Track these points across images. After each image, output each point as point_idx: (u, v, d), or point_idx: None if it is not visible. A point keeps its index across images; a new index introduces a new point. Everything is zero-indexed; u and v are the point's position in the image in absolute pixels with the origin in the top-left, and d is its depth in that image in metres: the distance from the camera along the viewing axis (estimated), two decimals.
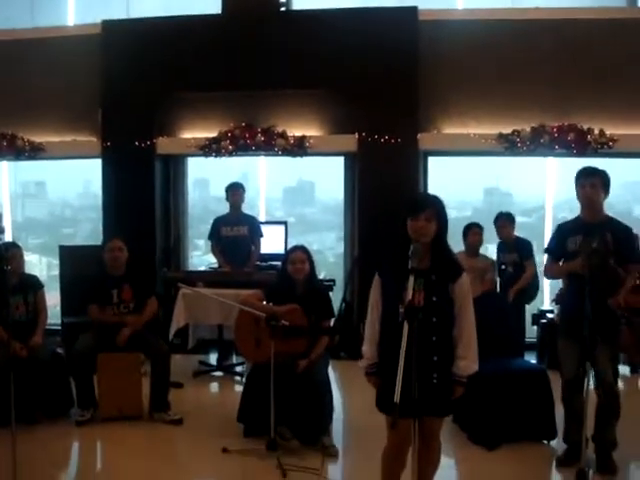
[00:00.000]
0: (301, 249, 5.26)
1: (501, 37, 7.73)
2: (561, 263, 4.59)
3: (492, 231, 7.17)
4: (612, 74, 7.49)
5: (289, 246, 6.36)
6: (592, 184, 4.38)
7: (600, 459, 4.46)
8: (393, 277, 3.34)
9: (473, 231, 6.86)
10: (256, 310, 4.99)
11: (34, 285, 5.83)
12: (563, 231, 4.62)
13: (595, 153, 7.42)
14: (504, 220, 7.12)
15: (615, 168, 5.04)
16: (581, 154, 7.44)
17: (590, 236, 4.21)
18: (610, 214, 4.53)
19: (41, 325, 5.73)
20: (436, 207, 3.35)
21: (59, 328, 7.67)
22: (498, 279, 7.24)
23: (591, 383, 4.06)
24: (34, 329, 5.64)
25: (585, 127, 7.47)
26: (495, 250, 7.47)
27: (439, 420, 3.52)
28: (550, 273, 4.83)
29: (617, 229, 4.39)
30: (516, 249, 7.13)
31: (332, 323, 5.41)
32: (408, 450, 3.37)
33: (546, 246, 4.80)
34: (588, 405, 4.08)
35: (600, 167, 4.48)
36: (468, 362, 3.37)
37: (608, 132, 7.45)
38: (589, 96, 7.54)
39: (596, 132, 7.45)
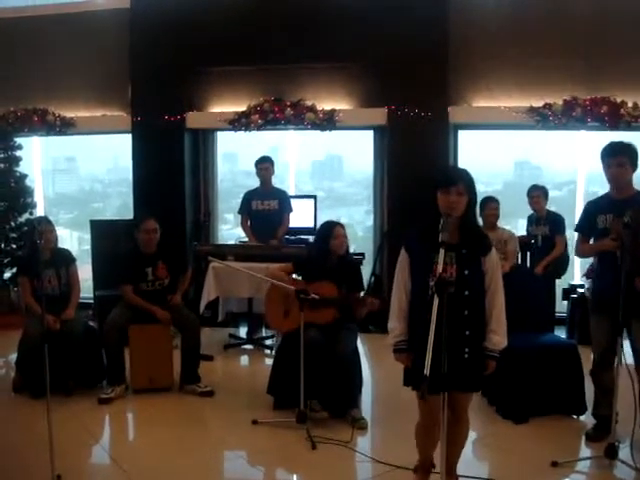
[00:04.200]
0: (340, 224, 5.28)
1: (533, 8, 7.60)
2: (592, 241, 4.51)
3: (521, 205, 7.09)
4: None
5: (318, 220, 6.35)
6: (619, 163, 4.24)
7: None
8: (423, 251, 3.34)
9: (490, 206, 6.68)
10: (283, 283, 5.01)
11: (66, 259, 5.89)
12: (592, 209, 4.51)
13: (628, 126, 7.28)
14: (538, 192, 7.05)
15: None
16: (614, 127, 7.29)
17: (621, 213, 4.13)
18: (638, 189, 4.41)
19: (74, 299, 5.80)
20: (467, 181, 3.34)
21: (91, 301, 7.78)
22: (527, 253, 7.16)
23: (622, 359, 4.02)
24: (67, 302, 5.71)
25: (618, 100, 7.32)
26: (525, 224, 7.41)
27: (469, 395, 3.53)
28: (581, 252, 4.75)
29: None
30: (547, 223, 7.06)
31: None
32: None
33: (576, 225, 4.73)
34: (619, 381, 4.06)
35: (633, 141, 4.36)
36: (500, 337, 3.37)
37: None
38: (622, 68, 7.38)
39: (629, 105, 7.30)
